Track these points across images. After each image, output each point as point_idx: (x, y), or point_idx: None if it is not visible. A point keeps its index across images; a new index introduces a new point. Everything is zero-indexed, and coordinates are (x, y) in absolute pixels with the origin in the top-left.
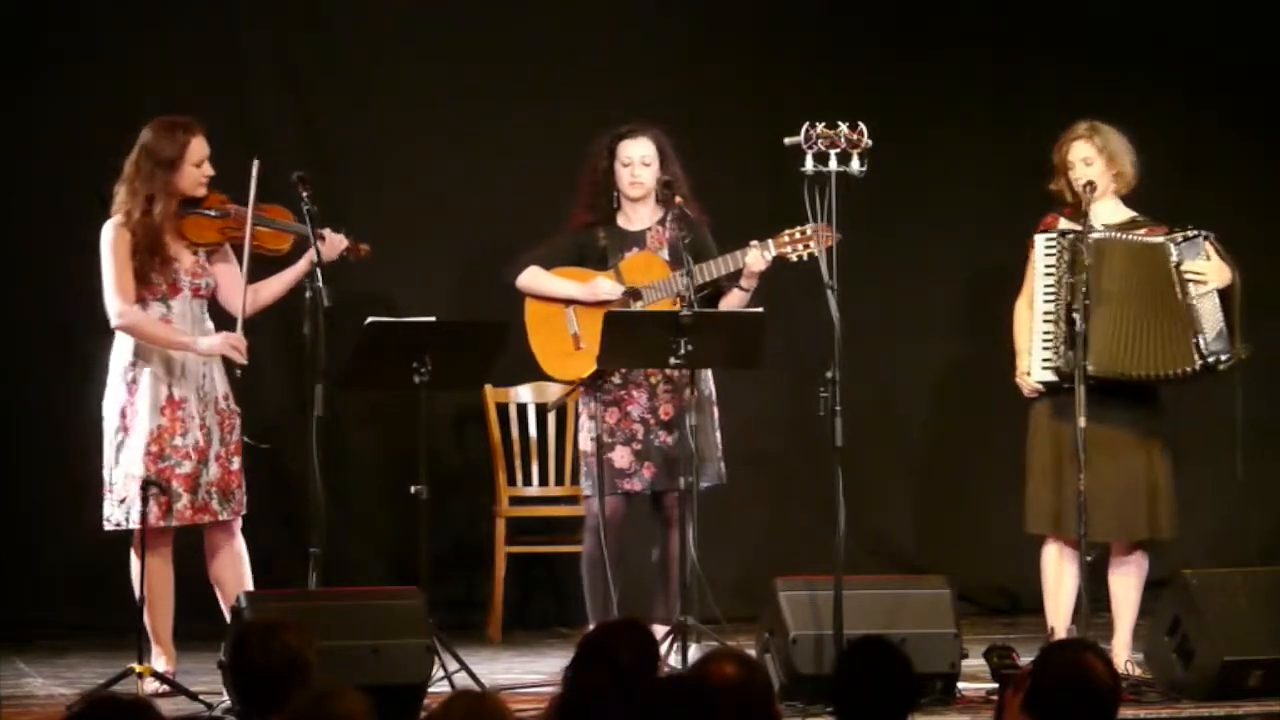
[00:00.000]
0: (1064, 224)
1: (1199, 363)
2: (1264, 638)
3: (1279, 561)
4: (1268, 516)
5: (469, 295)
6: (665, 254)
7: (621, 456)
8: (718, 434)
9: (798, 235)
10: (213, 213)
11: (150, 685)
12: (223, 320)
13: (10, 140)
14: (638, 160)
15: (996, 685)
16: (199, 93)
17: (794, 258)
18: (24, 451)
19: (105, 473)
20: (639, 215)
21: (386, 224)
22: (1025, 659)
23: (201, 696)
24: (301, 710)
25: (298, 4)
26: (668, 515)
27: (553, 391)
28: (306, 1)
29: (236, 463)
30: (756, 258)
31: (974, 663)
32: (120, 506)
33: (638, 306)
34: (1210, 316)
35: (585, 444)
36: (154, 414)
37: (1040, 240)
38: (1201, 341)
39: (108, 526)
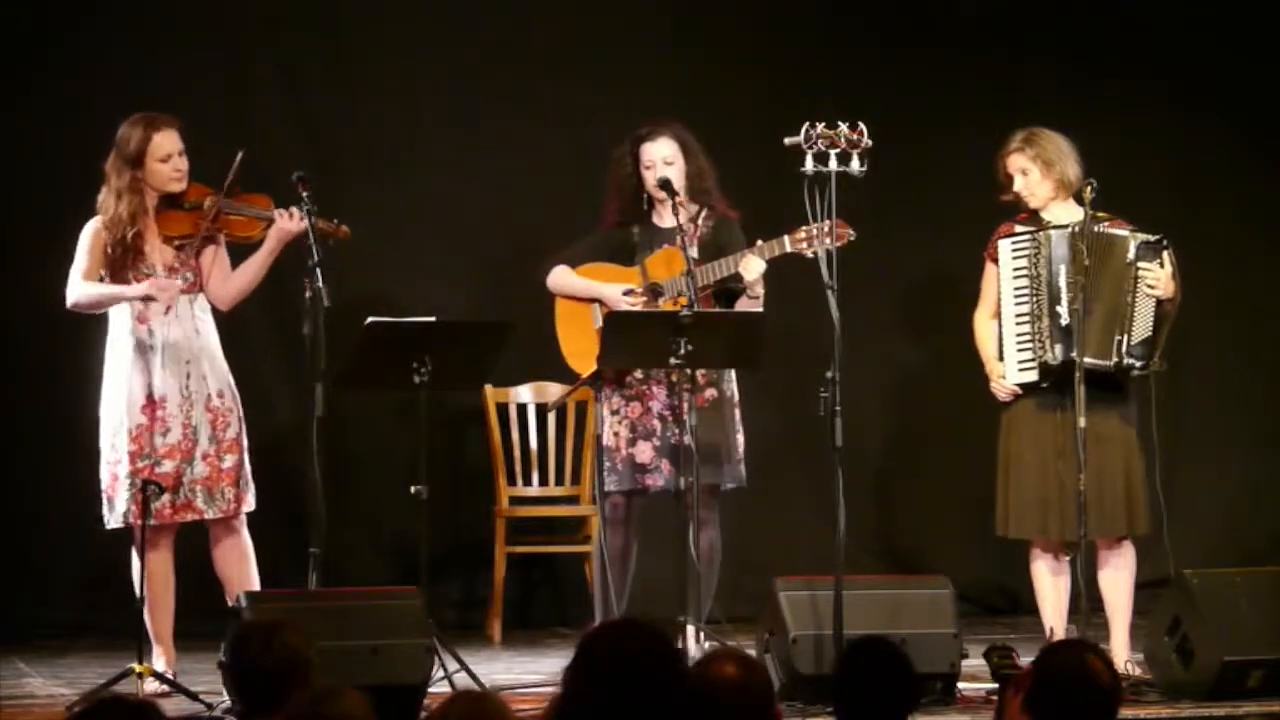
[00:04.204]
0: (1020, 229)
1: (1114, 361)
2: (1264, 638)
3: (1279, 561)
4: (1268, 516)
5: (470, 295)
6: (695, 250)
7: (643, 452)
8: (740, 435)
9: (814, 231)
10: (187, 206)
11: (150, 685)
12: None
13: (10, 140)
14: (660, 161)
15: (996, 685)
16: (199, 93)
17: (810, 254)
18: (24, 451)
19: (100, 472)
20: (671, 212)
21: (387, 223)
22: (1025, 659)
23: (201, 696)
24: (301, 710)
25: (298, 5)
26: (690, 514)
27: (553, 392)
28: (307, 2)
29: (230, 460)
30: (748, 264)
31: (974, 663)
32: (108, 505)
33: (657, 303)
34: (1142, 321)
35: (607, 438)
36: (134, 412)
37: (1006, 244)
38: (1124, 342)
39: (108, 525)
